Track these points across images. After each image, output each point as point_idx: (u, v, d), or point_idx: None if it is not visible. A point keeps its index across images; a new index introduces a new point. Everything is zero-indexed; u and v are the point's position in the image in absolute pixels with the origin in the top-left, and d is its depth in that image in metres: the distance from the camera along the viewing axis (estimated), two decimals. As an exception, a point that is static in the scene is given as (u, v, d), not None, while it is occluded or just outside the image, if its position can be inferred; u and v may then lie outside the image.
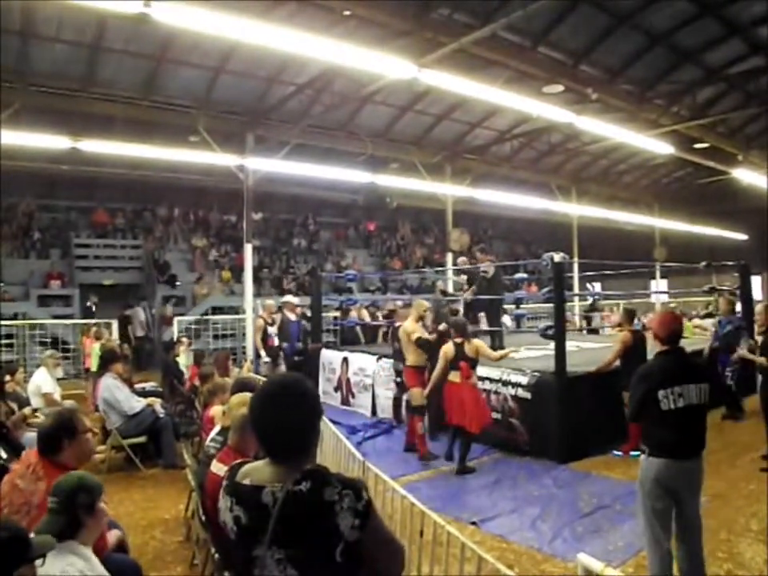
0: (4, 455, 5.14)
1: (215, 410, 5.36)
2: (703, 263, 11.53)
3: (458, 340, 6.89)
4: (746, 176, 17.96)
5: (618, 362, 7.53)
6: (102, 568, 2.77)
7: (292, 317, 11.40)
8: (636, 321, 8.67)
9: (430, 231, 27.65)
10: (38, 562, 2.27)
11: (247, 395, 4.38)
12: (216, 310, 17.20)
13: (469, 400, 6.71)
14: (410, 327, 7.54)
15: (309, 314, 12.72)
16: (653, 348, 4.19)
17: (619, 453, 7.26)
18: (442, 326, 7.66)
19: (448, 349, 6.91)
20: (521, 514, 5.45)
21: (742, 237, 26.03)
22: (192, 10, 7.28)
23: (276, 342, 10.71)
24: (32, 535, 2.35)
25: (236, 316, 16.04)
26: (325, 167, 15.35)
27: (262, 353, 10.47)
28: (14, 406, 6.70)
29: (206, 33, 8.37)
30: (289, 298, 12.32)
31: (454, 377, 6.80)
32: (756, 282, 20.60)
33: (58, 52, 11.97)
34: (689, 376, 3.73)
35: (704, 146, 17.17)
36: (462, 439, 6.77)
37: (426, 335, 7.51)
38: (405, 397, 8.52)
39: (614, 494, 5.86)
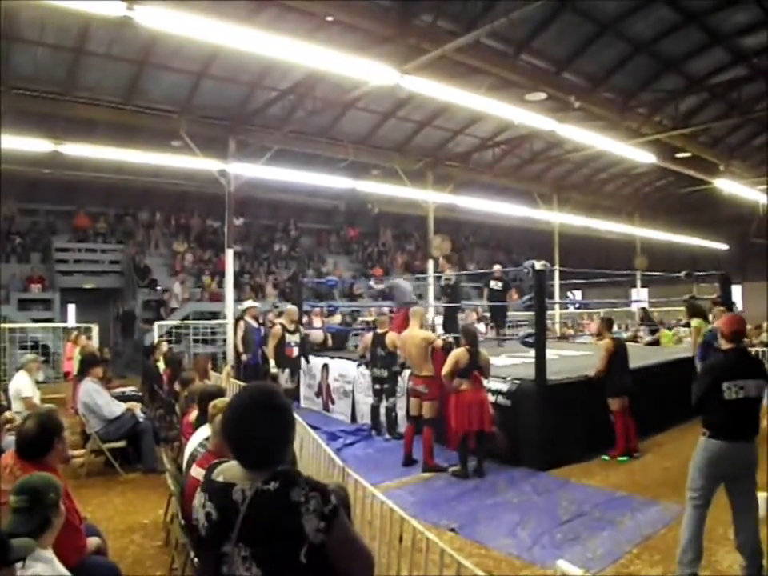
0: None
1: (194, 414, 5.33)
2: (684, 272, 11.60)
3: (469, 348, 6.87)
4: (728, 186, 18.09)
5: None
6: (64, 570, 2.73)
7: (254, 324, 11.19)
8: (615, 328, 8.65)
9: (412, 238, 27.71)
10: (18, 564, 2.25)
11: (228, 400, 4.38)
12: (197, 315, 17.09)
13: (483, 407, 6.75)
14: (424, 335, 7.38)
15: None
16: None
17: (606, 457, 7.32)
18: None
19: (461, 355, 6.82)
20: (500, 520, 5.43)
21: (722, 246, 26.31)
22: (175, 14, 7.29)
23: (296, 352, 9.70)
24: None
25: (217, 321, 15.96)
26: (307, 173, 15.40)
27: (272, 362, 9.46)
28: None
29: (189, 37, 8.36)
30: (250, 303, 12.03)
31: (465, 386, 6.76)
32: (736, 291, 20.87)
33: (40, 55, 11.94)
34: (749, 372, 4.21)
35: (686, 156, 17.30)
36: (483, 442, 6.84)
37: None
38: (397, 405, 8.47)
39: (592, 501, 5.85)
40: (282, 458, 1.95)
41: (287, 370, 9.49)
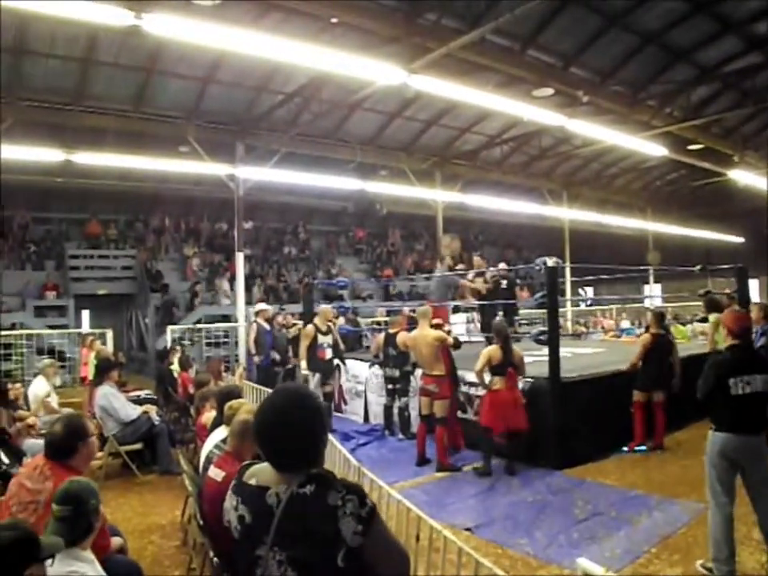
0: (6, 461, 5.23)
1: (207, 416, 5.37)
2: (698, 267, 11.43)
3: (502, 345, 6.84)
4: (743, 177, 17.88)
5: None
6: (102, 571, 2.82)
7: (266, 326, 11.16)
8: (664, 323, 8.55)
9: (421, 237, 27.65)
10: (48, 562, 2.31)
11: (244, 401, 4.42)
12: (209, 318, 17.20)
13: (517, 405, 6.77)
14: (437, 334, 7.31)
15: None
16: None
17: (625, 449, 7.39)
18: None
19: (494, 353, 6.81)
20: (516, 520, 5.40)
21: (738, 239, 25.99)
22: (182, 21, 7.35)
23: (329, 353, 9.17)
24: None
25: (228, 324, 16.03)
26: (314, 175, 15.43)
27: (303, 364, 8.95)
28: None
29: (195, 43, 8.40)
30: (262, 305, 12.04)
31: (498, 384, 6.76)
32: (753, 285, 20.58)
33: (50, 67, 12.08)
34: (756, 367, 4.27)
35: (698, 147, 17.08)
36: (516, 441, 6.83)
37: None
38: (410, 405, 8.45)
39: (609, 500, 5.81)
40: (315, 460, 1.93)
41: (317, 374, 9.00)
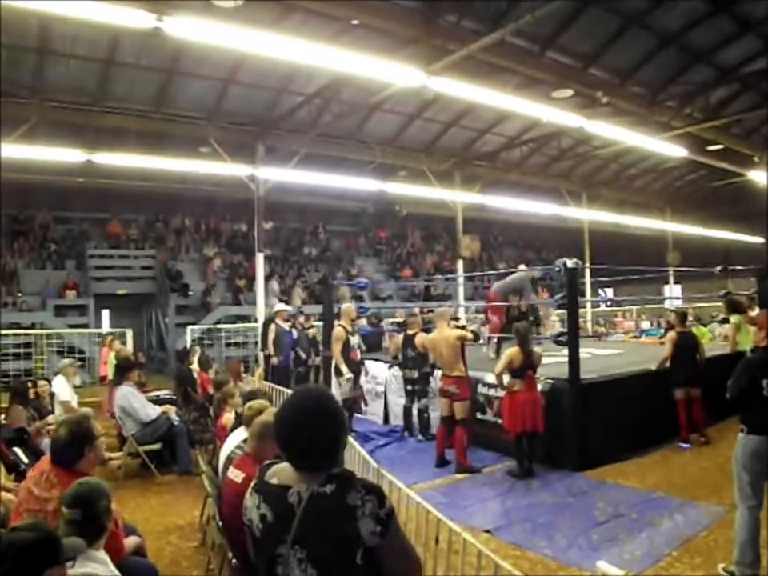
0: (26, 460, 5.28)
1: (227, 417, 5.41)
2: (718, 268, 11.32)
3: (523, 347, 6.81)
4: (763, 177, 17.71)
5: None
6: (116, 571, 2.82)
7: (285, 326, 11.15)
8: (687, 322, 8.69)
9: (440, 238, 27.62)
10: (68, 564, 2.30)
11: (264, 402, 4.44)
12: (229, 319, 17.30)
13: (536, 407, 6.74)
14: (458, 333, 7.26)
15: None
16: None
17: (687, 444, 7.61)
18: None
19: (515, 355, 6.77)
20: (535, 522, 5.38)
21: (758, 240, 25.68)
22: (202, 23, 7.41)
23: (359, 354, 8.84)
24: None
25: (248, 324, 16.11)
26: (334, 176, 15.49)
27: (344, 368, 8.30)
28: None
29: (216, 45, 8.46)
30: (281, 306, 12.00)
31: (518, 386, 6.72)
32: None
33: (72, 68, 12.22)
34: None
35: (718, 148, 16.98)
36: (534, 442, 6.80)
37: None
38: (429, 407, 8.42)
39: (629, 502, 5.76)
40: (335, 460, 1.95)
41: (352, 376, 8.50)
